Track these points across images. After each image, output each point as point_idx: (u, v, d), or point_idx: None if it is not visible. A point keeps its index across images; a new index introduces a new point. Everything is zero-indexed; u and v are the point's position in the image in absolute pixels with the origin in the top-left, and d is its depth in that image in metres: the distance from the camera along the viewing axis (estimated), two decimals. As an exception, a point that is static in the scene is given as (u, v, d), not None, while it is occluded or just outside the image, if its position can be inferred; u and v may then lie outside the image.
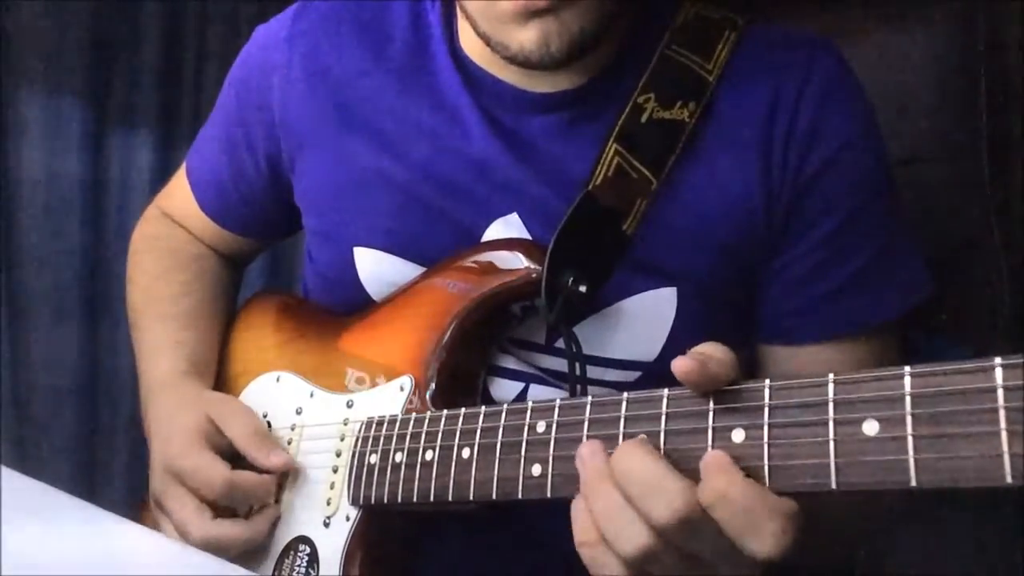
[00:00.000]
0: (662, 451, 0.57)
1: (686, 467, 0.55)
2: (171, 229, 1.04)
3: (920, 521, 0.95)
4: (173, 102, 1.67)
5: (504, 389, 0.80)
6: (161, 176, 1.61)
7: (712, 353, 0.56)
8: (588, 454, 0.58)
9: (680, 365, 0.55)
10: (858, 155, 0.80)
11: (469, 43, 0.85)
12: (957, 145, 1.10)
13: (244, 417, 0.84)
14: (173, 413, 0.86)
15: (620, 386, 0.78)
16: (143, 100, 1.64)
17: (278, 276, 1.70)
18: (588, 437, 0.60)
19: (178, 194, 1.03)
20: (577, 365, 0.76)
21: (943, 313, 0.98)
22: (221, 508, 0.80)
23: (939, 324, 1.00)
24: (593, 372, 0.78)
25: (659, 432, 0.57)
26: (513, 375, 0.81)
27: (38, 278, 1.58)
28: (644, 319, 0.79)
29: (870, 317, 0.81)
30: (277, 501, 0.82)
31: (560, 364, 0.80)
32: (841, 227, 0.79)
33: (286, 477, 0.82)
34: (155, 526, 0.84)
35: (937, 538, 1.01)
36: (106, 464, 1.63)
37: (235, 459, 0.82)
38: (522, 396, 0.80)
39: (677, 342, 0.78)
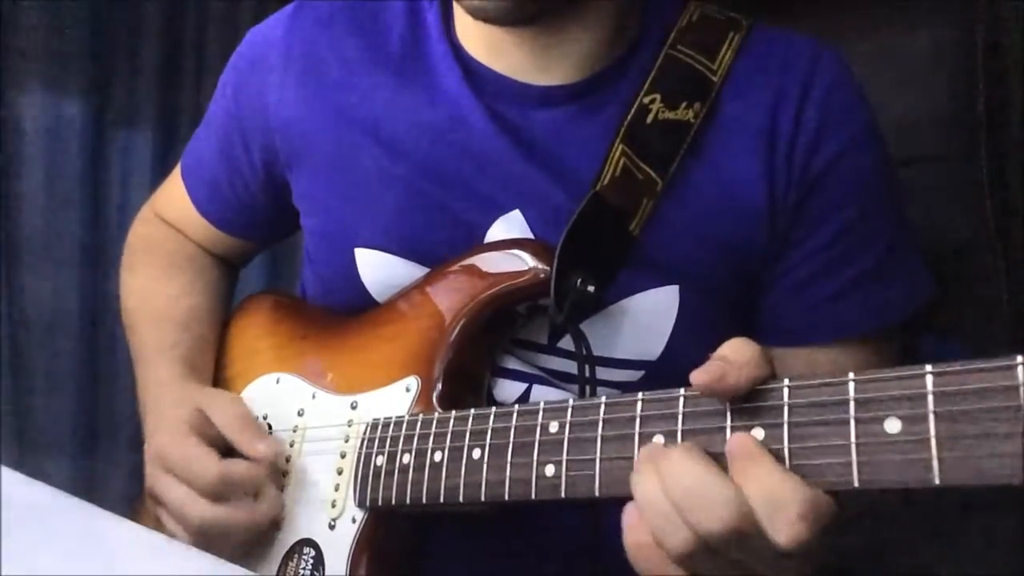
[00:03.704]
0: None
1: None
2: (165, 231, 1.04)
3: (927, 521, 0.94)
4: (173, 102, 1.67)
5: (507, 390, 0.80)
6: (161, 176, 1.59)
7: (733, 357, 0.55)
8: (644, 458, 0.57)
9: (696, 379, 0.55)
10: (861, 157, 0.80)
11: (468, 38, 0.84)
12: (957, 145, 1.10)
13: (230, 405, 0.83)
14: (166, 409, 0.86)
15: (624, 386, 0.78)
16: (143, 100, 1.65)
17: (278, 276, 1.70)
18: (602, 437, 0.60)
19: (173, 196, 1.02)
20: (587, 366, 0.75)
21: (942, 313, 0.98)
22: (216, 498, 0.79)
23: (939, 324, 1.00)
24: (598, 372, 0.77)
25: (676, 432, 0.57)
26: (516, 375, 0.80)
27: (39, 278, 1.58)
28: (646, 318, 0.79)
29: (876, 320, 0.81)
30: (281, 489, 0.81)
31: (563, 364, 0.80)
32: (846, 229, 0.79)
33: (288, 480, 0.82)
34: (155, 524, 0.83)
35: (943, 539, 1.01)
36: (106, 464, 1.63)
37: (227, 451, 0.81)
38: (525, 396, 0.80)
39: (679, 341, 0.79)
